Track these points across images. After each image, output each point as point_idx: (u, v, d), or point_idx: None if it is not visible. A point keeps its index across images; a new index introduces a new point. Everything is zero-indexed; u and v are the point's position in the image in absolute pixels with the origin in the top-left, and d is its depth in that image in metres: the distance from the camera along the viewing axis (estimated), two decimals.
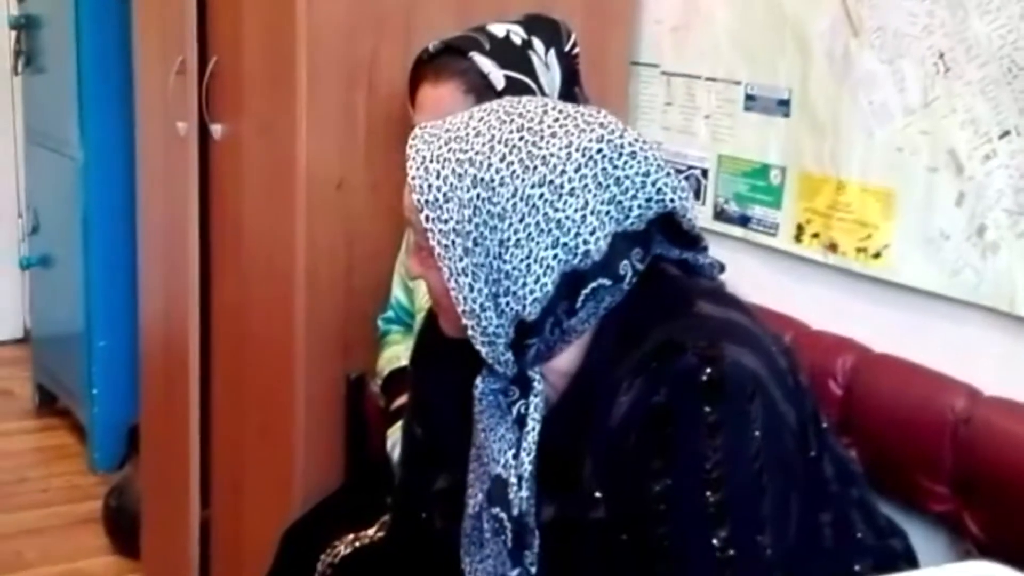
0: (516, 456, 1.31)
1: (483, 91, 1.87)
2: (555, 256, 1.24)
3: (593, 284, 1.26)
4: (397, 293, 2.19)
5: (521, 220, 1.24)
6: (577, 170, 1.25)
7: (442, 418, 1.47)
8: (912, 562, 1.47)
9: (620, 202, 1.26)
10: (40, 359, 4.34)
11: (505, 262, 1.24)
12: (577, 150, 1.25)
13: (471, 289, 1.26)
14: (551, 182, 1.24)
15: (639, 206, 1.27)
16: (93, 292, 3.80)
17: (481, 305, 1.26)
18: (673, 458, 1.21)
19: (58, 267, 4.11)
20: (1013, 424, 1.63)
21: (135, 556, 3.17)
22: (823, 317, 1.99)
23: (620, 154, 1.27)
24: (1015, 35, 1.68)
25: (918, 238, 1.84)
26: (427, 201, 1.27)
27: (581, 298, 1.26)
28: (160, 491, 2.90)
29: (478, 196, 1.25)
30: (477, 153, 1.26)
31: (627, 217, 1.27)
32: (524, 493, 1.30)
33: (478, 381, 1.34)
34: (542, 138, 1.26)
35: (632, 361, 1.25)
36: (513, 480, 1.30)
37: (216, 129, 2.45)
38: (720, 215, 2.24)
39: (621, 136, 1.28)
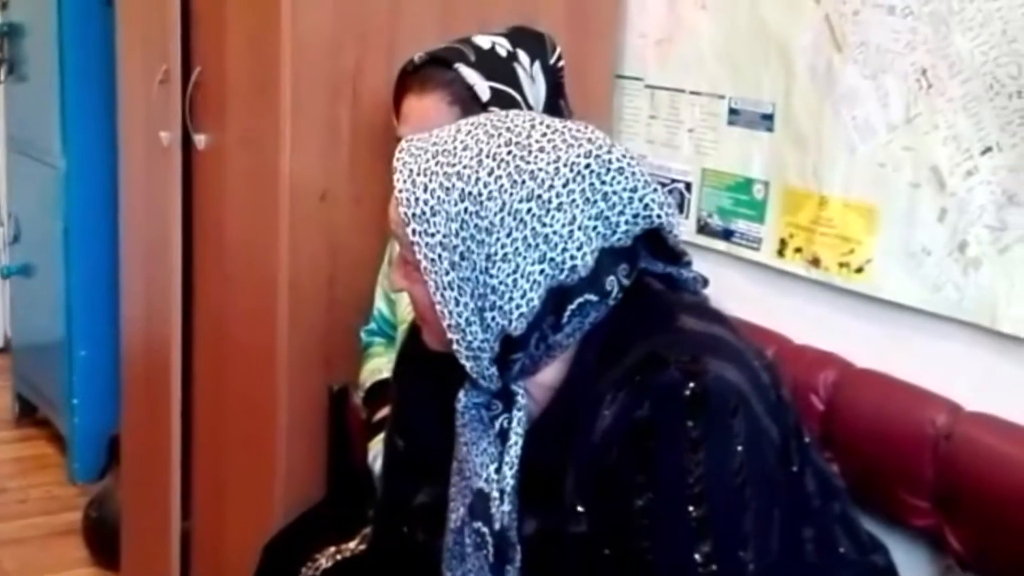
0: (498, 470, 1.30)
1: (468, 103, 1.87)
2: (542, 271, 1.24)
3: (579, 299, 1.26)
4: (380, 305, 2.18)
5: (509, 235, 1.24)
6: (565, 185, 1.25)
7: (424, 431, 1.47)
8: None
9: (607, 218, 1.26)
10: (20, 369, 4.32)
11: (492, 276, 1.24)
12: (565, 165, 1.25)
13: (457, 303, 1.25)
14: (539, 197, 1.24)
15: (626, 222, 1.27)
16: (74, 302, 3.78)
17: (467, 319, 1.26)
18: (655, 473, 1.21)
19: (39, 276, 4.08)
20: (994, 439, 1.64)
21: (115, 568, 3.15)
22: (805, 332, 1.99)
23: (608, 169, 1.27)
24: (997, 52, 1.69)
25: (900, 253, 1.85)
26: (414, 215, 1.26)
27: (567, 313, 1.26)
28: (141, 502, 2.88)
29: (466, 210, 1.25)
30: (465, 167, 1.26)
31: (614, 233, 1.27)
32: (506, 507, 1.30)
33: (461, 395, 1.33)
34: (530, 152, 1.26)
35: (615, 375, 1.25)
36: (495, 494, 1.30)
37: (199, 139, 2.44)
38: (703, 229, 2.25)
39: (609, 152, 1.28)
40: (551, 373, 1.32)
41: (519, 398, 1.31)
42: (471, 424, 1.33)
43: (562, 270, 1.24)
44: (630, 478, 1.21)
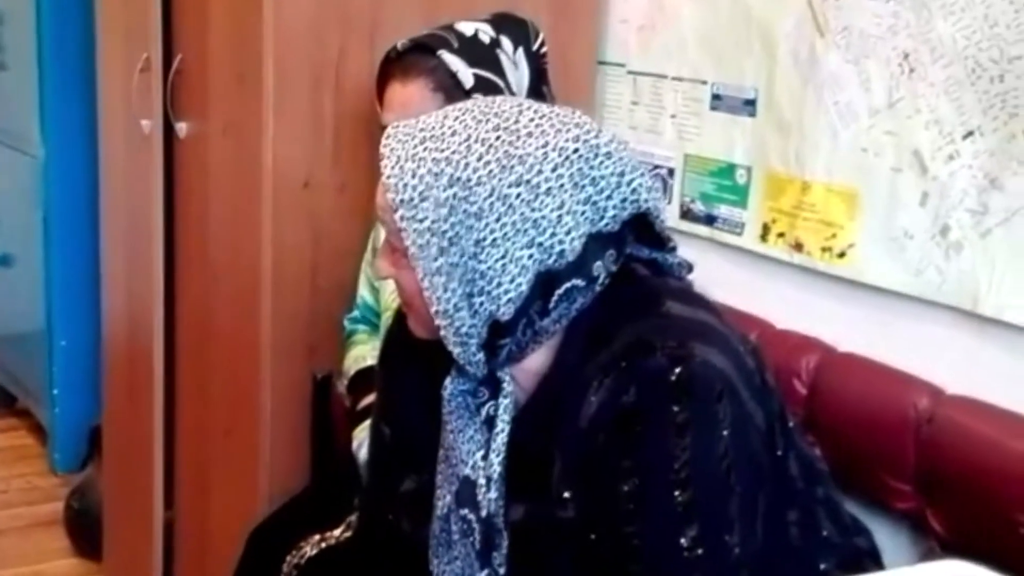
0: (485, 457, 1.30)
1: (452, 89, 1.87)
2: (530, 256, 1.24)
3: (567, 285, 1.26)
4: (363, 293, 2.18)
5: (498, 220, 1.24)
6: (554, 170, 1.25)
7: (410, 419, 1.47)
8: (877, 560, 1.48)
9: (595, 202, 1.27)
10: None
11: (481, 262, 1.24)
12: (554, 150, 1.25)
13: (445, 289, 1.25)
14: (528, 181, 1.24)
15: (614, 206, 1.27)
16: (54, 291, 3.76)
17: (455, 305, 1.25)
18: (642, 458, 1.21)
19: (18, 266, 4.06)
20: (975, 422, 1.65)
21: (97, 558, 3.15)
22: (788, 316, 2.00)
23: (596, 154, 1.27)
24: (979, 36, 1.70)
25: (882, 238, 1.86)
26: (403, 200, 1.26)
27: (554, 299, 1.26)
28: (123, 492, 2.88)
29: (455, 195, 1.24)
30: (454, 152, 1.26)
31: (602, 218, 1.27)
32: (493, 494, 1.30)
33: (447, 382, 1.33)
34: (519, 137, 1.26)
35: (601, 361, 1.25)
36: (482, 481, 1.30)
37: (181, 127, 2.43)
38: (686, 214, 2.25)
39: (597, 136, 1.28)
40: (537, 359, 1.32)
41: (505, 385, 1.31)
42: (457, 411, 1.33)
43: (550, 255, 1.24)
44: (616, 463, 1.22)
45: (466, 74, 1.88)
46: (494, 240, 1.24)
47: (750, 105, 2.10)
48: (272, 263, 2.18)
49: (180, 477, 2.64)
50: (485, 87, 1.87)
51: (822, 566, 1.39)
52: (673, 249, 1.37)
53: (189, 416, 2.59)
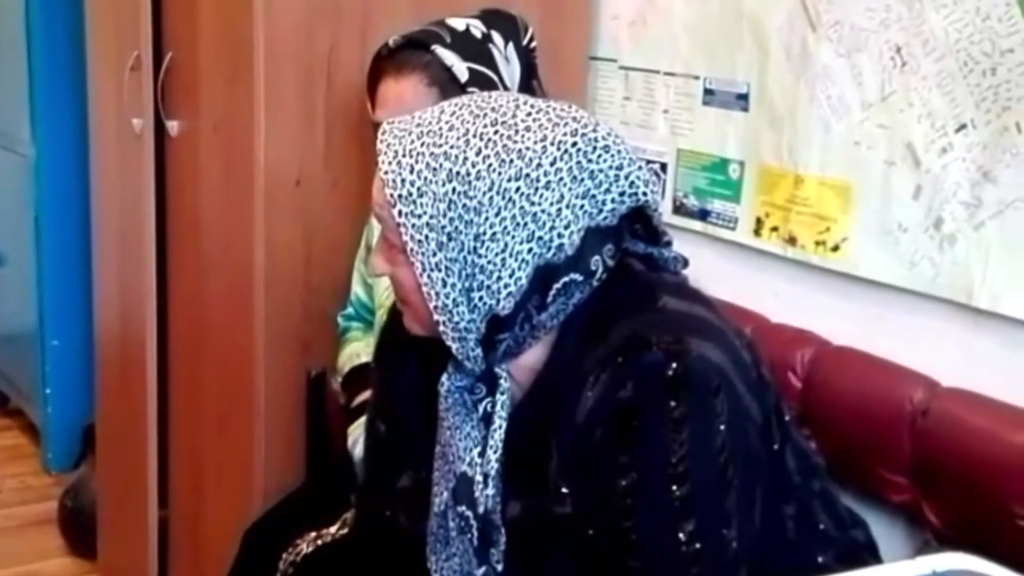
0: (482, 454, 1.30)
1: (446, 84, 1.87)
2: (530, 250, 1.24)
3: (565, 279, 1.26)
4: (357, 290, 2.18)
5: (497, 214, 1.24)
6: (553, 164, 1.25)
7: (406, 416, 1.47)
8: (874, 553, 1.48)
9: (594, 196, 1.26)
10: None
11: (480, 256, 1.24)
12: (552, 144, 1.25)
13: (444, 284, 1.25)
14: (527, 176, 1.24)
15: (612, 200, 1.27)
16: (46, 290, 3.75)
17: (454, 300, 1.25)
18: (639, 453, 1.21)
19: (10, 265, 4.05)
20: (970, 415, 1.65)
21: (92, 557, 3.14)
22: (782, 310, 2.00)
23: (594, 148, 1.27)
24: (971, 29, 1.70)
25: (876, 231, 1.86)
26: (400, 196, 1.26)
27: (552, 293, 1.26)
28: (117, 491, 2.87)
29: (453, 190, 1.24)
30: (452, 147, 1.25)
31: (600, 211, 1.27)
32: (490, 491, 1.30)
33: (444, 378, 1.33)
34: (517, 132, 1.25)
35: (597, 356, 1.25)
36: (479, 478, 1.30)
37: (172, 126, 2.43)
38: (679, 209, 2.25)
39: (594, 130, 1.28)
40: (534, 355, 1.32)
41: (502, 381, 1.31)
42: (454, 408, 1.33)
43: (549, 248, 1.24)
44: (614, 458, 1.22)
45: (460, 68, 1.88)
46: (493, 234, 1.24)
47: (742, 99, 2.10)
48: (265, 261, 2.17)
49: (174, 475, 2.63)
50: (480, 81, 1.87)
51: (819, 559, 1.39)
52: (668, 244, 1.37)
53: (183, 414, 2.58)
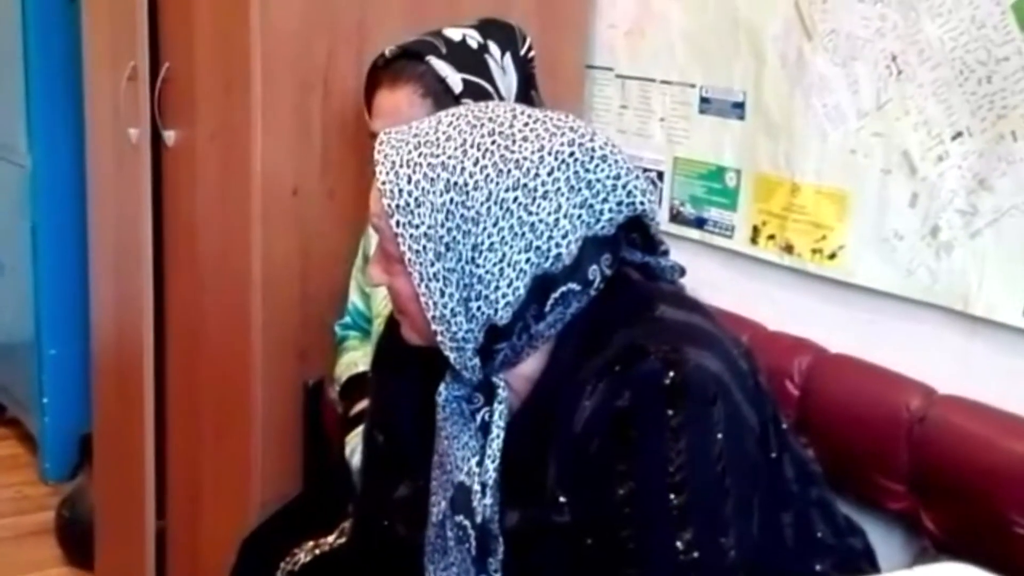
0: (480, 463, 1.30)
1: (441, 95, 1.87)
2: (528, 260, 1.24)
3: (563, 288, 1.26)
4: (354, 299, 2.18)
5: (495, 224, 1.24)
6: (550, 173, 1.25)
7: (404, 425, 1.47)
8: (872, 561, 1.48)
9: (591, 205, 1.27)
10: None
11: (478, 266, 1.24)
12: (550, 153, 1.25)
13: (442, 294, 1.25)
14: (525, 185, 1.24)
15: (610, 209, 1.28)
16: (43, 300, 3.75)
17: (452, 310, 1.25)
18: (636, 462, 1.21)
19: (7, 275, 4.04)
20: (968, 422, 1.65)
21: (89, 568, 3.13)
22: (779, 318, 2.00)
23: (591, 157, 1.27)
24: (966, 37, 1.71)
25: (873, 239, 1.86)
26: (398, 206, 1.26)
27: (550, 303, 1.26)
28: (114, 501, 2.87)
29: (451, 200, 1.24)
30: (450, 157, 1.25)
31: (598, 221, 1.27)
32: (488, 500, 1.30)
33: (441, 388, 1.33)
34: (514, 142, 1.26)
35: (595, 366, 1.25)
36: (477, 488, 1.30)
37: (169, 135, 2.43)
38: (676, 217, 2.25)
39: (592, 139, 1.28)
40: (531, 364, 1.32)
41: (500, 390, 1.31)
42: (452, 418, 1.33)
43: (547, 258, 1.24)
44: (611, 467, 1.22)
45: (455, 79, 1.88)
46: (491, 244, 1.24)
47: (739, 108, 2.10)
48: (262, 270, 2.17)
49: (172, 485, 2.63)
50: (474, 92, 1.87)
51: (817, 567, 1.39)
52: (665, 253, 1.37)
53: (180, 424, 2.58)
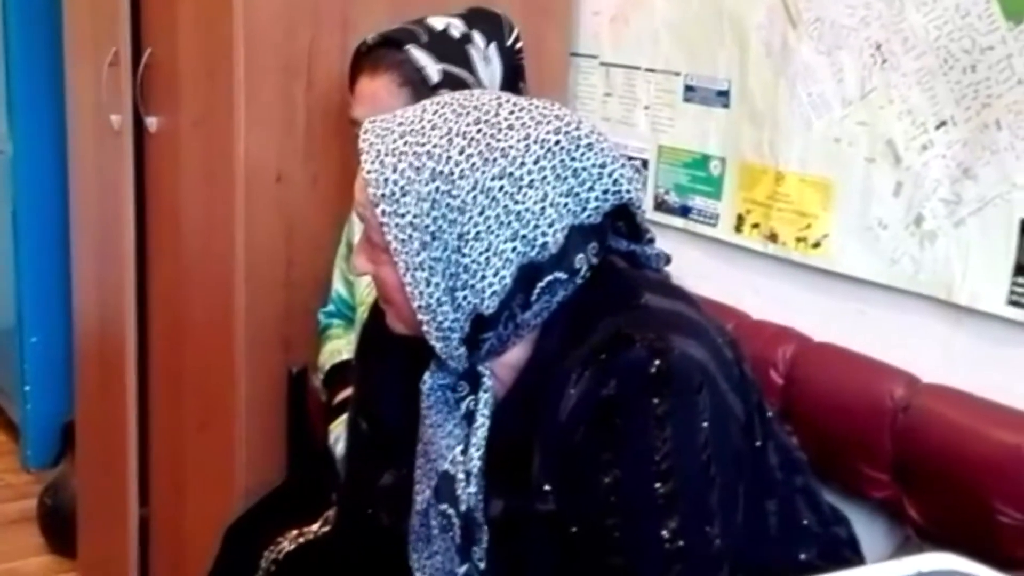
0: (464, 452, 1.30)
1: (418, 85, 1.87)
2: (514, 249, 1.24)
3: (549, 277, 1.26)
4: (338, 287, 2.17)
5: (481, 213, 1.23)
6: (536, 162, 1.24)
7: (388, 413, 1.46)
8: (856, 549, 1.49)
9: (578, 194, 1.26)
10: None
11: (464, 255, 1.24)
12: (536, 142, 1.25)
13: (428, 283, 1.25)
14: (511, 174, 1.24)
15: (596, 198, 1.27)
16: (24, 287, 3.73)
17: (438, 300, 1.25)
18: (622, 450, 1.21)
19: None
20: (951, 411, 1.65)
21: (71, 555, 3.13)
22: (764, 307, 2.00)
23: (577, 146, 1.27)
24: (951, 26, 1.71)
25: (857, 228, 1.86)
26: (383, 195, 1.25)
27: (536, 292, 1.26)
28: (97, 488, 2.86)
29: (437, 189, 1.24)
30: (435, 146, 1.25)
31: (584, 210, 1.27)
32: (472, 489, 1.30)
33: (426, 376, 1.33)
34: (500, 130, 1.25)
35: (581, 354, 1.25)
36: (461, 476, 1.30)
37: (151, 122, 2.42)
38: (660, 206, 2.25)
39: (578, 128, 1.28)
40: (517, 353, 1.32)
41: (485, 379, 1.31)
42: (436, 406, 1.33)
43: (533, 247, 1.24)
44: (597, 456, 1.22)
45: (432, 70, 1.87)
46: (477, 234, 1.23)
47: (723, 96, 2.10)
48: (245, 257, 2.17)
49: (155, 473, 2.62)
50: (452, 83, 1.86)
51: (802, 556, 1.39)
52: (651, 241, 1.37)
53: (163, 411, 2.57)
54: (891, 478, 1.71)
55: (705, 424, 1.21)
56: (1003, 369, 1.67)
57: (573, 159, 1.26)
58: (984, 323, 1.70)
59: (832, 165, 1.90)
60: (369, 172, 1.26)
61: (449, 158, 1.24)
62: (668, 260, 1.39)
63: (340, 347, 2.12)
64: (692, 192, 2.19)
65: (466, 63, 1.91)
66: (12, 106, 3.64)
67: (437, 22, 1.93)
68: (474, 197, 1.23)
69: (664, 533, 1.19)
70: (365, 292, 1.99)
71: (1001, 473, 1.55)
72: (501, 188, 1.23)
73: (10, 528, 3.41)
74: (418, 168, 1.25)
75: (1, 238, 3.79)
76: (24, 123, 3.62)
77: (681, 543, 1.19)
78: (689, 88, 2.18)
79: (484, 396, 1.30)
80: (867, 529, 1.65)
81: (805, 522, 1.41)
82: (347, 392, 1.95)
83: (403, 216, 1.25)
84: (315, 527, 1.95)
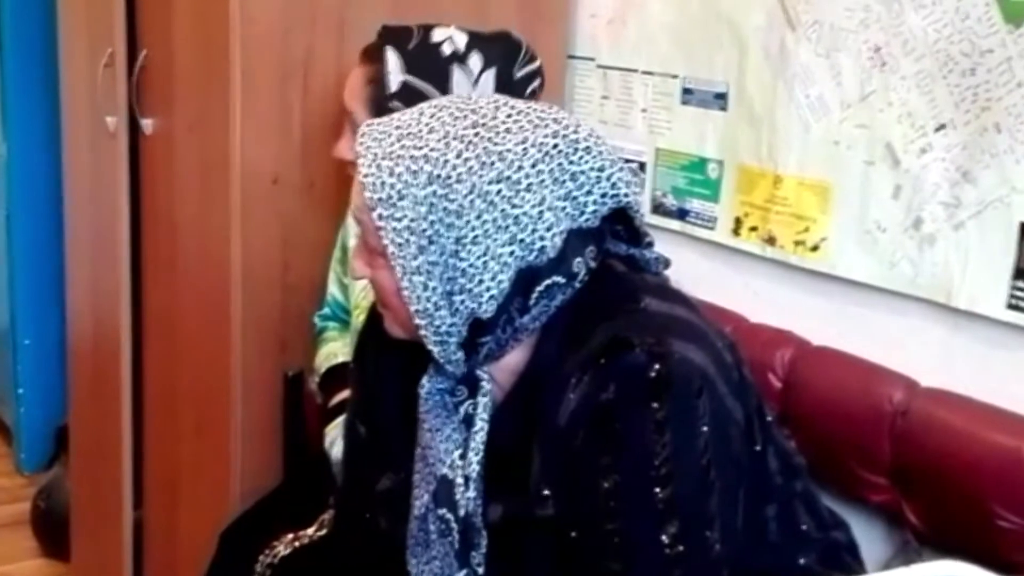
0: (463, 456, 1.30)
1: (377, 87, 1.86)
2: (511, 253, 1.23)
3: (547, 281, 1.25)
4: (333, 290, 2.16)
5: (478, 217, 1.23)
6: (534, 166, 1.24)
7: (386, 417, 1.46)
8: (855, 554, 1.48)
9: (575, 198, 1.26)
10: None
11: (461, 260, 1.23)
12: (533, 146, 1.24)
13: (425, 288, 1.24)
14: (508, 178, 1.23)
15: (594, 202, 1.27)
16: (18, 289, 3.73)
17: (435, 304, 1.24)
18: (621, 455, 1.21)
19: None
20: (950, 415, 1.65)
21: (65, 559, 3.12)
22: (762, 310, 2.00)
23: (575, 149, 1.26)
24: (950, 29, 1.70)
25: (855, 231, 1.86)
26: (380, 199, 1.25)
27: (534, 296, 1.25)
28: (91, 492, 2.85)
29: (434, 193, 1.23)
30: (432, 150, 1.24)
31: (582, 213, 1.26)
32: (471, 493, 1.29)
33: (424, 380, 1.32)
34: (498, 134, 1.25)
35: (580, 358, 1.24)
36: (460, 481, 1.29)
37: (147, 124, 2.41)
38: (658, 209, 2.25)
39: (575, 131, 1.27)
40: (515, 357, 1.31)
41: (484, 383, 1.30)
42: (435, 410, 1.32)
43: (531, 251, 1.24)
44: (596, 460, 1.21)
45: (394, 77, 1.85)
46: (475, 238, 1.23)
47: (721, 99, 2.10)
48: (241, 261, 2.16)
49: (149, 476, 2.62)
50: (410, 97, 1.80)
51: (801, 560, 1.39)
52: (650, 244, 1.37)
53: (158, 415, 2.56)
54: (890, 482, 1.71)
55: (705, 428, 1.20)
56: (1002, 373, 1.66)
57: (571, 163, 1.26)
58: (983, 327, 1.69)
59: (831, 168, 1.89)
60: (366, 176, 1.26)
61: (446, 162, 1.23)
62: (667, 264, 1.39)
63: (336, 350, 2.11)
64: (690, 195, 2.18)
65: (441, 80, 1.86)
66: (6, 107, 3.63)
67: (438, 32, 1.89)
68: (471, 201, 1.23)
69: (664, 538, 1.18)
70: (360, 296, 1.98)
71: (1000, 477, 1.54)
72: (499, 192, 1.23)
73: (3, 531, 3.40)
74: (415, 172, 1.24)
75: None
76: (18, 124, 3.62)
77: (681, 548, 1.19)
78: (687, 91, 2.17)
79: (483, 400, 1.30)
80: (866, 533, 1.65)
81: (804, 527, 1.41)
82: (343, 394, 1.94)
83: (400, 220, 1.24)
84: (311, 531, 1.94)
